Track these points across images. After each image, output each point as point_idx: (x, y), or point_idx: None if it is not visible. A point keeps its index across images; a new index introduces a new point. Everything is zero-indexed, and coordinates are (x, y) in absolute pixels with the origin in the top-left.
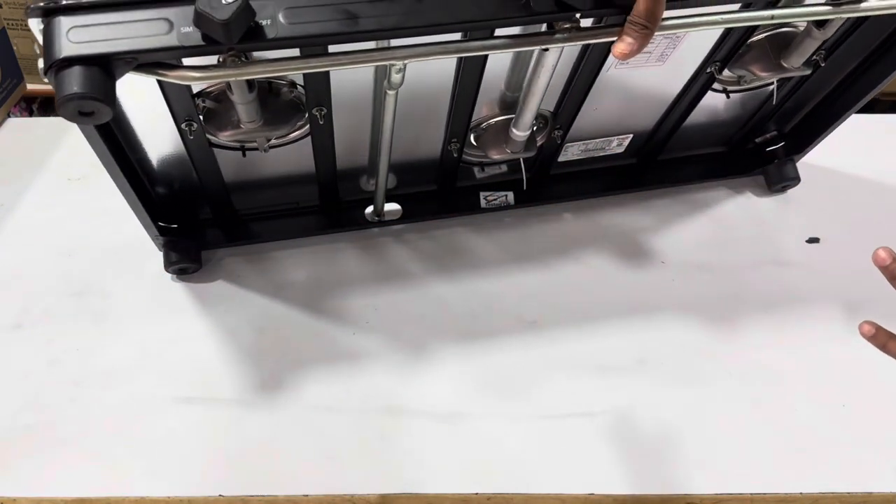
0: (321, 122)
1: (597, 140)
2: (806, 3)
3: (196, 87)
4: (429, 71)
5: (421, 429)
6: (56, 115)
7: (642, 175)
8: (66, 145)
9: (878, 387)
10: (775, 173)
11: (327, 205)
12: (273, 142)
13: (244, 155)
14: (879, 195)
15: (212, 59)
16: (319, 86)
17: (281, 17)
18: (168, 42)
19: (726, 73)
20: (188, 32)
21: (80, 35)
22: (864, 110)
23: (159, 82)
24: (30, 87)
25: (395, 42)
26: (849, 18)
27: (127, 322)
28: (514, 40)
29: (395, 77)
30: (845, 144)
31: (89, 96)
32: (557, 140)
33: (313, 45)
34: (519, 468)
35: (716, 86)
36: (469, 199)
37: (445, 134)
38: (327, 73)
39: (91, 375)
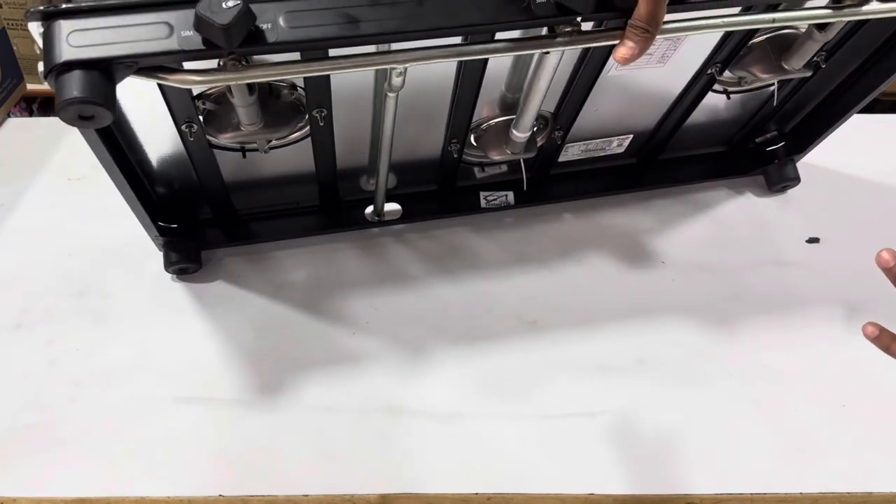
0: (321, 124)
1: (597, 140)
2: (807, 5)
3: (196, 90)
4: (429, 72)
5: (421, 429)
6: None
7: (642, 175)
8: (66, 145)
9: (878, 387)
10: (775, 173)
11: (327, 205)
12: (273, 143)
13: (244, 156)
14: (879, 195)
15: (212, 63)
16: (320, 88)
17: (281, 21)
18: (168, 46)
19: (727, 74)
20: (188, 36)
21: (80, 39)
22: (864, 110)
23: (159, 85)
24: (30, 87)
25: (395, 46)
26: (850, 21)
27: (127, 322)
28: (514, 44)
29: (396, 80)
30: (845, 144)
31: (90, 101)
32: (558, 140)
33: (314, 49)
34: (519, 468)
35: (716, 87)
36: (469, 199)
37: (446, 135)
38: (328, 75)
39: (91, 375)
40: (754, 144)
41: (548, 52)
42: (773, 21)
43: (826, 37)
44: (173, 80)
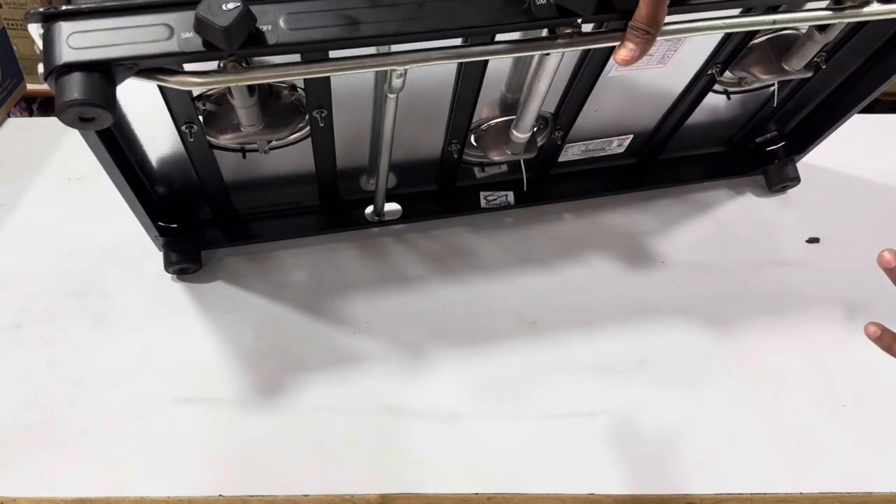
0: (321, 125)
1: (597, 140)
2: (808, 7)
3: (196, 91)
4: (430, 73)
5: (421, 429)
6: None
7: (642, 175)
8: (66, 145)
9: (878, 387)
10: (775, 173)
11: (327, 204)
12: (273, 143)
13: (244, 156)
14: (879, 195)
15: (212, 65)
16: (320, 89)
17: (282, 23)
18: (168, 48)
19: (727, 74)
20: (189, 38)
21: (80, 41)
22: (864, 110)
23: (160, 86)
24: (30, 87)
25: (396, 47)
26: (850, 22)
27: (127, 322)
28: (515, 45)
29: (396, 82)
30: (845, 144)
31: (90, 102)
32: (558, 141)
33: (314, 51)
34: (519, 468)
35: (716, 87)
36: (469, 199)
37: (446, 135)
38: (328, 77)
39: (91, 375)
40: (754, 144)
41: (548, 54)
42: (774, 23)
43: (826, 38)
44: (173, 82)
